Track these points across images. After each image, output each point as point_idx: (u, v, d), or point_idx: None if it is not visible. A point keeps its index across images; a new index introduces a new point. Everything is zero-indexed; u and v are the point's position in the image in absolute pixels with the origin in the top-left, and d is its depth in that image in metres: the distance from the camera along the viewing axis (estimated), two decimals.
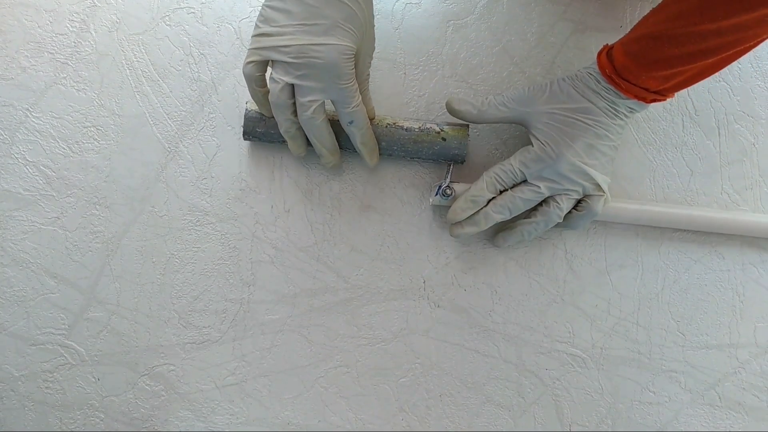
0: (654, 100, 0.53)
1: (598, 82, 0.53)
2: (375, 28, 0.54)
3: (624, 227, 0.64)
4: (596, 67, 0.53)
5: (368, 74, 0.55)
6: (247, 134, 0.58)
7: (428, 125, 0.58)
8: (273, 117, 0.55)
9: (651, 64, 0.49)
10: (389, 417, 0.63)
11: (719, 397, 0.65)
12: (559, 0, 0.64)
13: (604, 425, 0.64)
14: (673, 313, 0.64)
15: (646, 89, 0.51)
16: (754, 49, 0.64)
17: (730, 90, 0.65)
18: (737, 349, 0.65)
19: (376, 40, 0.55)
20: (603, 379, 0.64)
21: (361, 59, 0.53)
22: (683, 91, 0.64)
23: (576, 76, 0.55)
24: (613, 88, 0.52)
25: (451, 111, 0.58)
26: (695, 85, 0.64)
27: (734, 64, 0.64)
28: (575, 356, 0.64)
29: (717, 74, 0.64)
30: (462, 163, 0.60)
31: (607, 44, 0.54)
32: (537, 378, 0.64)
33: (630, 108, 0.54)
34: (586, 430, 0.65)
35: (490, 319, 0.63)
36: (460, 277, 0.63)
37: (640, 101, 0.52)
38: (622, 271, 0.64)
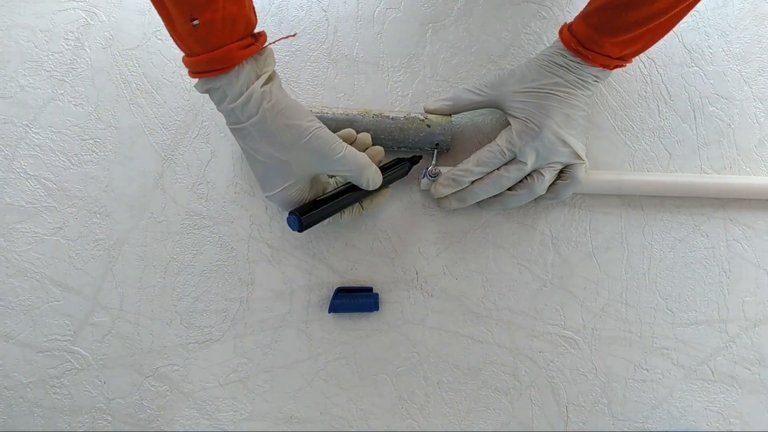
0: (617, 66, 0.56)
1: (565, 57, 0.56)
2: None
3: (607, 211, 0.66)
4: (560, 44, 0.57)
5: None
6: None
7: (413, 114, 0.61)
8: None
9: (612, 32, 0.52)
10: (389, 406, 0.64)
11: (712, 372, 0.66)
12: None
13: (600, 404, 0.66)
14: (661, 291, 0.66)
15: (609, 56, 0.54)
16: (725, 34, 0.68)
17: (703, 74, 0.67)
18: (726, 324, 0.66)
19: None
20: (596, 359, 0.65)
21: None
22: (657, 78, 0.67)
23: (541, 56, 0.58)
24: (580, 59, 0.55)
25: (429, 113, 0.61)
26: (669, 72, 0.67)
27: (705, 49, 0.67)
28: (567, 338, 0.65)
29: (689, 59, 0.67)
30: (447, 150, 0.62)
31: (566, 22, 0.57)
32: (531, 361, 0.65)
33: (595, 77, 0.57)
34: (583, 409, 0.66)
35: (483, 306, 0.65)
36: (452, 267, 0.65)
37: (605, 68, 0.56)
38: (608, 254, 0.66)
